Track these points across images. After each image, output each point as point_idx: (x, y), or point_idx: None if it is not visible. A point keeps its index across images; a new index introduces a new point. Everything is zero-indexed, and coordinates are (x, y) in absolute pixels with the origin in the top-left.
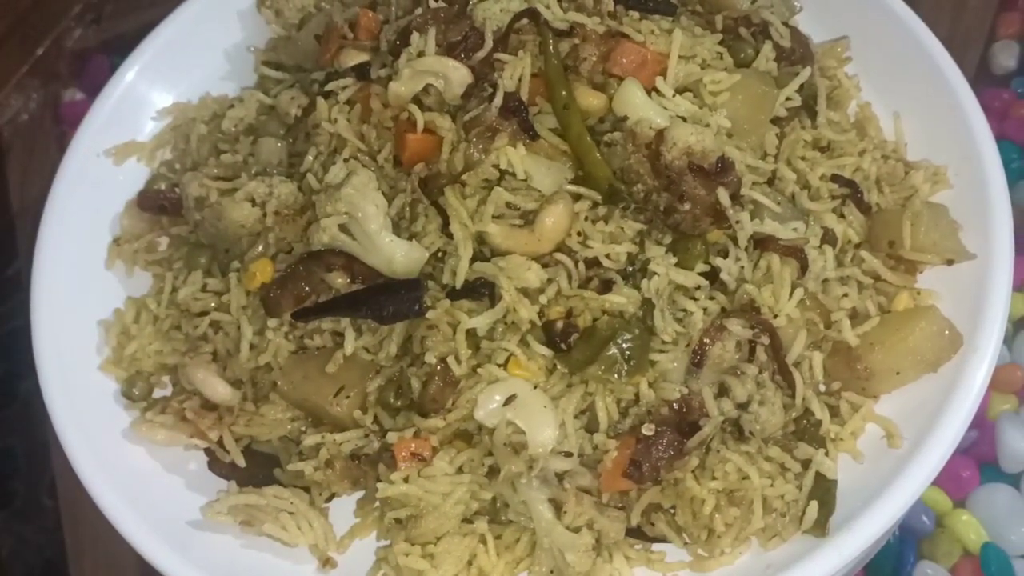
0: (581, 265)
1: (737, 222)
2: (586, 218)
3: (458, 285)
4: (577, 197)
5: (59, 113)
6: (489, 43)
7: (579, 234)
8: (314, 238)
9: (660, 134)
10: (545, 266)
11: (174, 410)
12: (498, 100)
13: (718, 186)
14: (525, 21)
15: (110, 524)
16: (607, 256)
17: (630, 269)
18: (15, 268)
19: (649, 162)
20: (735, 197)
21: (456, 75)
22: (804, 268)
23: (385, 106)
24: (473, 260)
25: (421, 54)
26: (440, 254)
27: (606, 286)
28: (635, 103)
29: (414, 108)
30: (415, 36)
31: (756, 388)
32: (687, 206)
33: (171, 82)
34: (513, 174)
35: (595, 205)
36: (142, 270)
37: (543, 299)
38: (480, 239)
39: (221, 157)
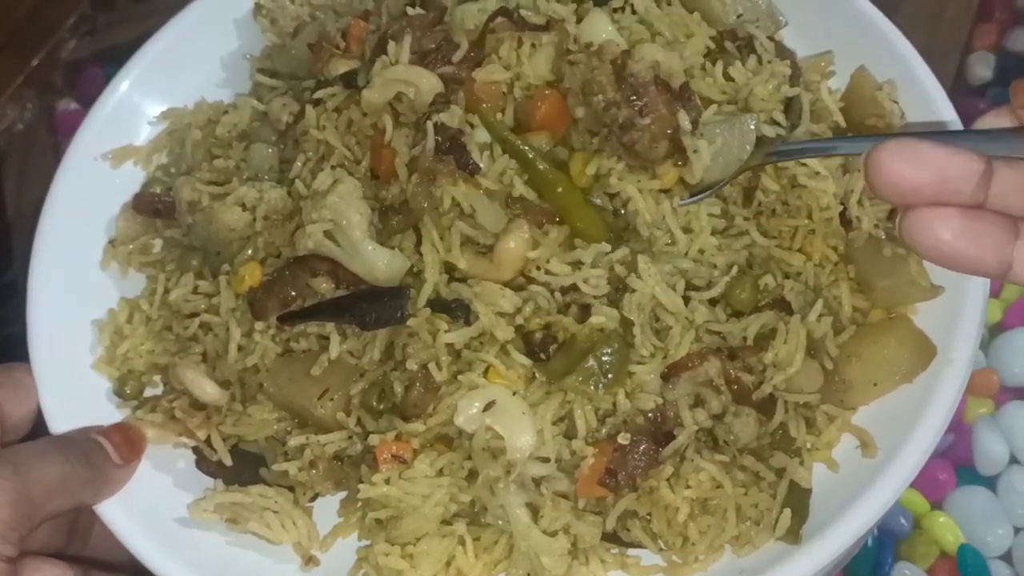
0: (557, 294)
1: (695, 151)
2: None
3: (420, 306)
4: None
5: (54, 123)
6: (464, 46)
7: (539, 268)
8: (299, 243)
9: (628, 51)
10: (520, 288)
11: (164, 409)
12: (429, 143)
13: (679, 109)
14: (500, 19)
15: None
16: (585, 281)
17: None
18: (11, 275)
19: (614, 75)
20: (694, 126)
21: (425, 84)
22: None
23: (364, 115)
24: (450, 279)
25: (396, 62)
26: (415, 270)
27: (584, 311)
28: (605, 29)
29: (386, 118)
30: (391, 44)
31: (731, 400)
32: (647, 120)
33: (168, 88)
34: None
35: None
36: (136, 271)
37: (519, 319)
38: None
39: (214, 162)
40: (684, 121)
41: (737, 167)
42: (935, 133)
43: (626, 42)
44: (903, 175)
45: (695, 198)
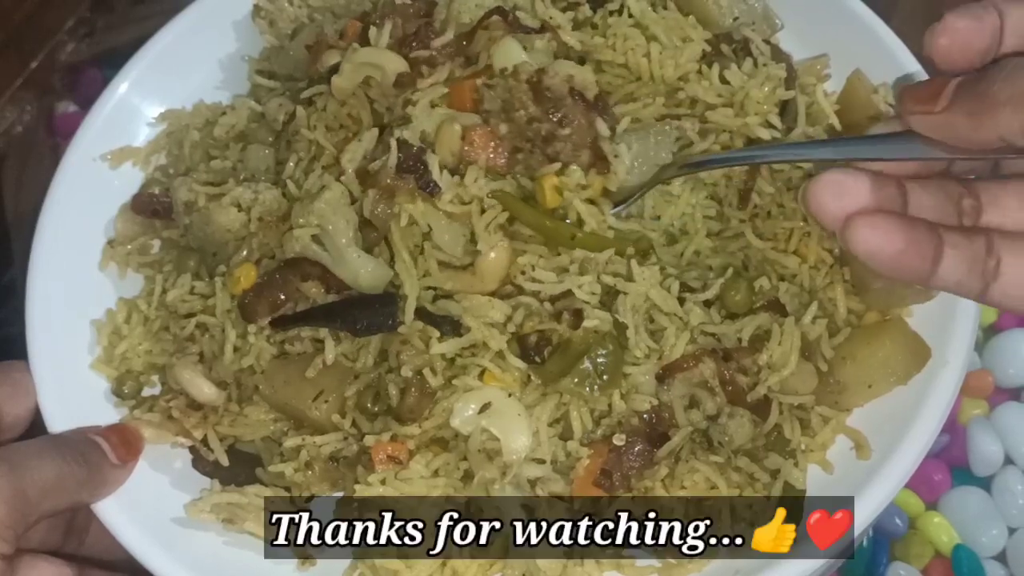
0: (547, 304)
1: (616, 156)
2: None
3: (407, 322)
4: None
5: (53, 125)
6: (450, 35)
7: (523, 273)
8: (287, 246)
9: (542, 69)
10: (509, 296)
11: (161, 409)
12: (392, 160)
13: (597, 117)
14: (495, 18)
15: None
16: (579, 288)
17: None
18: (10, 276)
19: (532, 92)
20: (612, 132)
21: (390, 65)
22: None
23: (342, 104)
24: (436, 296)
25: None
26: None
27: (577, 316)
28: (518, 55)
29: (354, 101)
30: (372, 31)
31: (726, 401)
32: (567, 131)
33: (166, 90)
34: None
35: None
36: (134, 272)
37: (511, 327)
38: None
39: (211, 163)
40: (602, 128)
41: (653, 172)
42: (822, 142)
43: (620, 48)
44: (831, 205)
45: (619, 207)
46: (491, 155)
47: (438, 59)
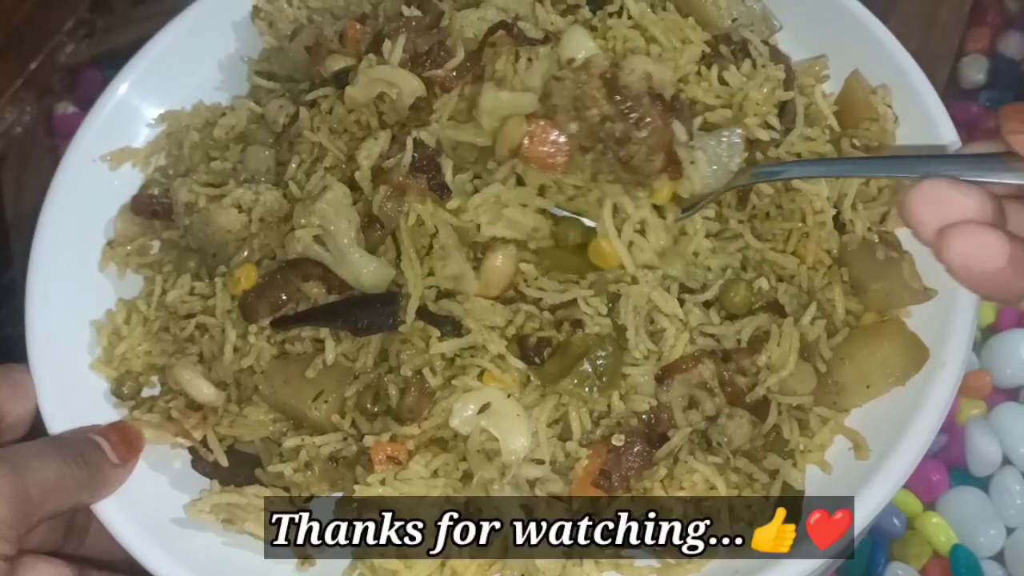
0: (547, 313)
1: (692, 162)
2: (537, 277)
3: (408, 321)
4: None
5: (52, 126)
6: (461, 55)
7: (526, 283)
8: (289, 247)
9: (616, 64)
10: (511, 301)
11: (160, 409)
12: (406, 158)
13: (674, 120)
14: (500, 33)
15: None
16: (586, 302)
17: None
18: (9, 277)
19: (605, 88)
20: (690, 137)
21: (407, 86)
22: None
23: (350, 111)
24: (439, 295)
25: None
26: (398, 283)
27: (577, 325)
28: (586, 44)
29: (366, 112)
30: (386, 43)
31: (725, 402)
32: (644, 133)
33: (166, 91)
34: None
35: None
36: (134, 273)
37: (511, 330)
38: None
39: (211, 164)
40: (680, 132)
41: (727, 179)
42: (915, 158)
43: (620, 49)
44: (929, 216)
45: (686, 213)
46: (551, 151)
47: (452, 82)
